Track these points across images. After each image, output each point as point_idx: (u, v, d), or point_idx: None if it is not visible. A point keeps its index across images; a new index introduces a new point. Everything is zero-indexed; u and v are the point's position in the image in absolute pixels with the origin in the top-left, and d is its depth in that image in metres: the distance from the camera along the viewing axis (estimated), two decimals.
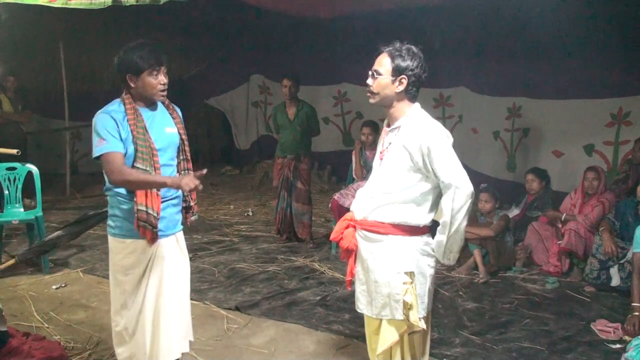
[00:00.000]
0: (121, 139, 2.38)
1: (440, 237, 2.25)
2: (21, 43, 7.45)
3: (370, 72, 2.30)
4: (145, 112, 2.48)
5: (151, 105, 2.52)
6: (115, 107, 2.44)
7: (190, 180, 2.30)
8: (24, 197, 4.89)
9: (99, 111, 2.44)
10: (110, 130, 2.36)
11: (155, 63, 2.42)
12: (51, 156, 8.52)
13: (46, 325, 3.61)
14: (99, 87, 8.86)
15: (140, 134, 2.40)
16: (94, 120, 2.41)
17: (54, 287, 4.30)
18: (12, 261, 4.37)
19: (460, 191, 2.15)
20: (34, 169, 4.79)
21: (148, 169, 2.39)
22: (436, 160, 2.17)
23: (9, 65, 7.17)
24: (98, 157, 2.38)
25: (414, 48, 2.27)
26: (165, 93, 2.49)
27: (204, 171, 2.40)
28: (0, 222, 4.69)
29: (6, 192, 4.78)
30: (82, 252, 5.19)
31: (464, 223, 2.21)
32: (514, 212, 5.41)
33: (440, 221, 2.24)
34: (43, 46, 7.94)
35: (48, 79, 8.44)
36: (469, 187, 2.16)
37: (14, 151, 4.46)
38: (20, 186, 4.80)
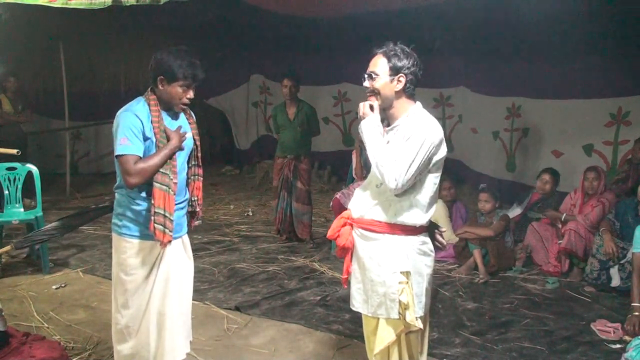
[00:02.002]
0: (144, 140, 2.39)
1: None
2: (21, 43, 7.45)
3: (366, 75, 2.31)
4: (166, 116, 2.50)
5: (172, 110, 2.54)
6: (140, 107, 2.44)
7: (176, 134, 2.43)
8: (24, 197, 4.89)
9: (123, 109, 2.44)
10: (134, 130, 2.37)
11: (191, 78, 2.44)
12: (51, 156, 8.51)
13: (46, 325, 3.61)
14: (99, 87, 8.86)
15: (163, 138, 2.41)
16: (118, 116, 2.41)
17: (54, 287, 4.30)
18: (8, 247, 4.32)
19: (388, 186, 2.19)
20: (34, 169, 4.79)
21: (168, 172, 2.41)
22: (402, 147, 2.18)
23: (9, 65, 7.17)
24: (117, 156, 2.37)
25: (406, 48, 2.29)
26: (186, 106, 2.53)
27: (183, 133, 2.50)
28: (0, 222, 4.69)
29: (6, 192, 4.78)
30: (82, 252, 5.19)
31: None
32: (516, 210, 5.39)
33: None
34: (43, 46, 7.94)
35: (48, 79, 8.44)
36: (392, 187, 2.17)
37: (14, 151, 4.45)
38: (20, 186, 4.80)
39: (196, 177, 2.67)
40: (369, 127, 2.29)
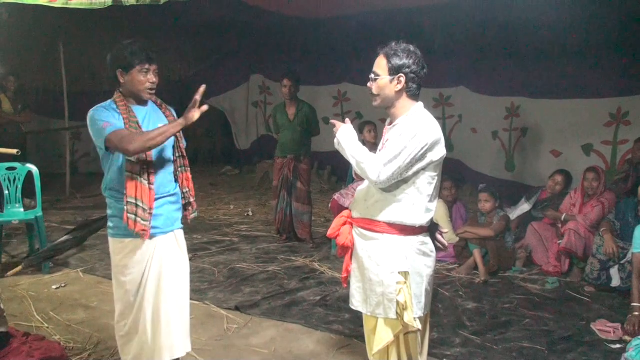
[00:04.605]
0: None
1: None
2: (21, 43, 7.45)
3: (370, 76, 2.31)
4: (137, 110, 2.50)
5: (143, 103, 2.53)
6: (107, 105, 2.48)
7: (192, 111, 2.37)
8: (24, 197, 4.89)
9: (91, 110, 2.46)
10: (108, 116, 2.40)
11: (145, 60, 2.43)
12: (51, 156, 8.51)
13: (46, 325, 3.61)
14: (99, 87, 8.83)
15: (134, 129, 2.40)
16: (88, 117, 2.43)
17: (54, 287, 4.30)
18: (18, 268, 4.35)
19: (370, 180, 2.22)
20: (34, 169, 4.79)
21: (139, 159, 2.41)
22: (392, 142, 2.20)
23: (9, 65, 7.17)
24: (105, 145, 2.36)
25: (410, 47, 2.28)
26: (153, 92, 2.49)
27: (202, 88, 2.40)
28: (0, 222, 4.69)
29: (6, 192, 4.77)
30: (82, 252, 5.19)
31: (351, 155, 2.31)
32: (524, 206, 5.36)
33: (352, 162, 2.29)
34: (43, 46, 7.94)
35: (48, 79, 8.43)
36: (374, 179, 2.19)
37: (14, 151, 4.46)
38: (20, 186, 4.80)
39: (183, 168, 2.65)
40: (344, 134, 2.34)
